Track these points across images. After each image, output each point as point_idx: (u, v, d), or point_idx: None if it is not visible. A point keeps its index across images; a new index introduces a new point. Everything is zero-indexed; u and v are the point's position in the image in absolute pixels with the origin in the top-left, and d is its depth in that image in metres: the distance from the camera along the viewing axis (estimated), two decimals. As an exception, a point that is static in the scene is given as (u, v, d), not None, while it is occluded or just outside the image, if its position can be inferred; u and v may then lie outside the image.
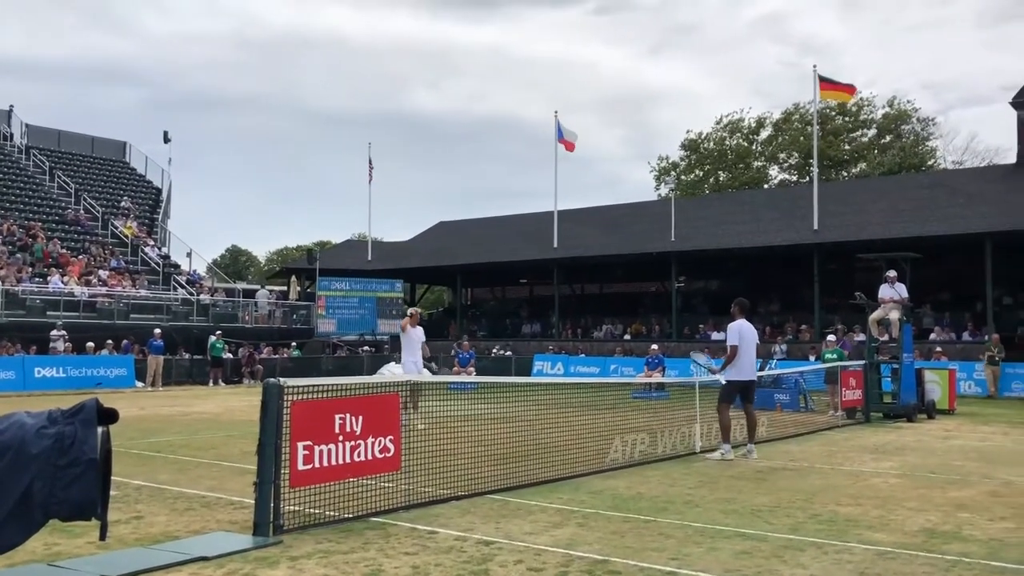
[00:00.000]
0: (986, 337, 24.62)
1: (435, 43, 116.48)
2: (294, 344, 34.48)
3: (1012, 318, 27.96)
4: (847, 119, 56.48)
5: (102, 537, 4.67)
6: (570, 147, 36.69)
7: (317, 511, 6.77)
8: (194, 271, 40.41)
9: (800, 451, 11.82)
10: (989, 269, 26.15)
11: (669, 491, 8.48)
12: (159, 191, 45.54)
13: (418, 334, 14.59)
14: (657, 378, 21.30)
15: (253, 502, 6.43)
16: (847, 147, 56.36)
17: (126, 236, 38.48)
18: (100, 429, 4.44)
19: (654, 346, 25.94)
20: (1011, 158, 35.31)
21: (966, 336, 27.12)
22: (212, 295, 36.79)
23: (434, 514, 7.18)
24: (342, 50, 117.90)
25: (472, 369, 26.19)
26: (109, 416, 4.51)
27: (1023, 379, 23.27)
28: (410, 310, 15.16)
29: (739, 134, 60.92)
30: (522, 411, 10.15)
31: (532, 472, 8.84)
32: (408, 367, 14.32)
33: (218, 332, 29.15)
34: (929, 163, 53.54)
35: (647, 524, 6.89)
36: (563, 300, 37.07)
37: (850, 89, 32.69)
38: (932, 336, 27.14)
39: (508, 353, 33.58)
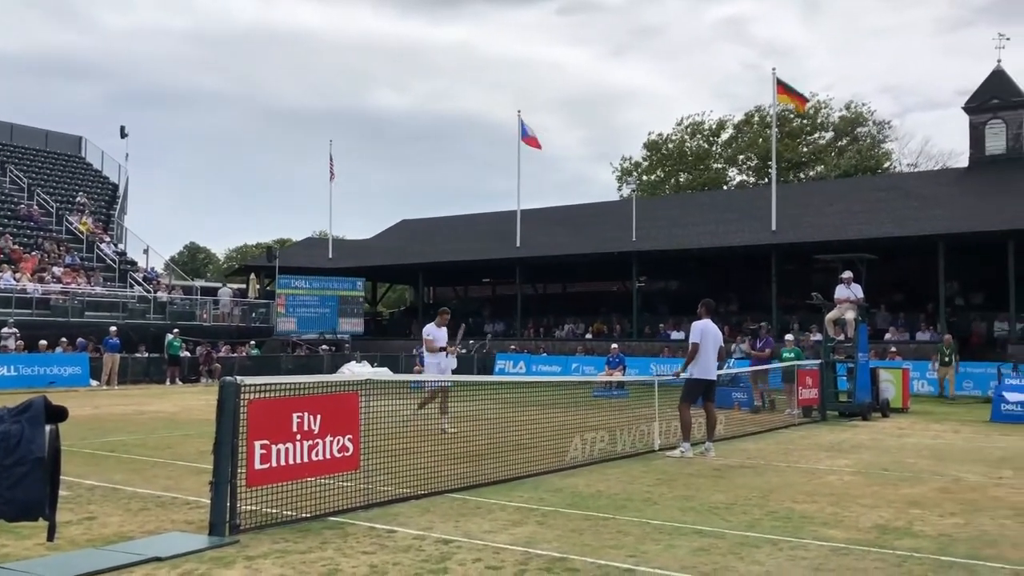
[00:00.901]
0: (940, 337, 25.04)
1: (399, 41, 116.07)
2: (253, 343, 34.12)
3: (964, 318, 28.57)
4: (805, 122, 57.26)
5: (50, 538, 4.58)
6: (536, 145, 36.72)
7: (274, 511, 6.70)
8: (151, 268, 39.81)
9: (757, 449, 11.96)
10: (942, 270, 26.67)
11: (628, 489, 8.53)
12: (116, 187, 44.80)
13: (442, 335, 13.98)
14: (618, 377, 21.42)
15: (209, 502, 6.35)
16: (805, 149, 57.14)
17: (81, 232, 37.79)
18: (48, 427, 4.36)
19: (614, 345, 26.08)
20: (964, 162, 36.07)
21: (920, 336, 27.63)
22: (169, 293, 36.28)
23: (393, 513, 7.15)
24: (305, 47, 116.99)
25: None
26: (58, 414, 4.43)
27: (974, 378, 23.76)
28: (441, 309, 14.53)
29: (700, 136, 61.47)
30: (483, 410, 10.15)
31: (492, 471, 8.85)
32: (431, 369, 13.82)
33: (175, 330, 28.76)
34: (885, 166, 54.50)
35: (606, 522, 6.93)
36: (525, 299, 37.13)
37: (802, 101, 33.33)
38: (887, 336, 27.63)
39: (488, 345, 33.54)
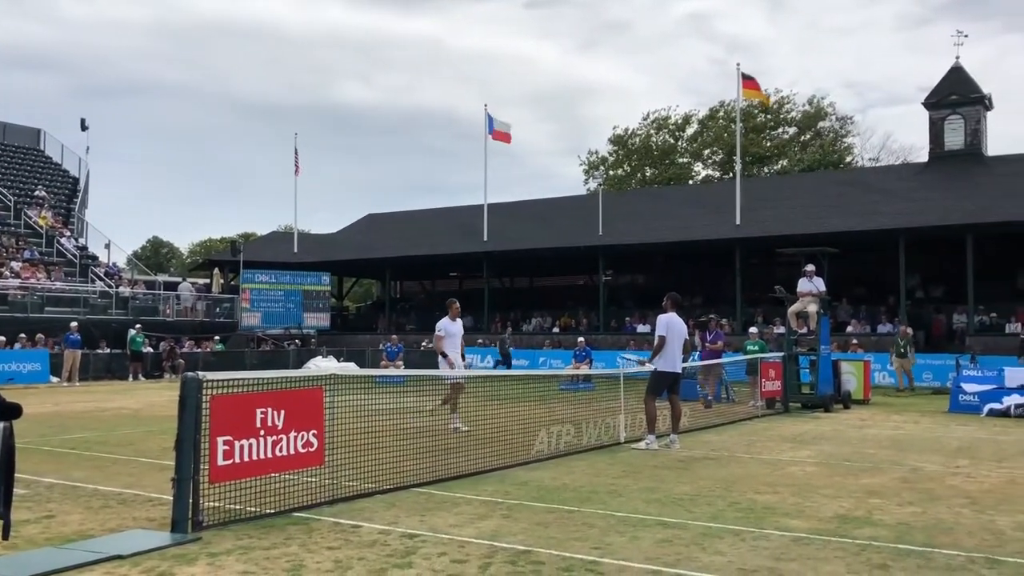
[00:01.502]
0: (908, 330, 25.37)
1: (366, 34, 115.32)
2: (217, 338, 33.79)
3: (924, 311, 29.06)
4: (768, 117, 57.82)
5: (4, 536, 4.52)
6: (506, 138, 36.70)
7: (238, 507, 6.65)
8: (113, 263, 39.21)
9: (721, 441, 12.09)
10: (903, 264, 27.11)
11: (594, 481, 8.58)
12: (76, 180, 44.03)
13: (457, 328, 13.24)
14: (584, 370, 21.52)
15: (171, 498, 6.29)
16: (769, 144, 57.68)
17: (40, 226, 37.13)
18: (1, 424, 4.29)
19: (581, 339, 26.21)
20: (924, 156, 36.64)
21: (881, 328, 28.06)
22: (132, 287, 35.79)
23: (358, 508, 7.13)
24: (269, 39, 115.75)
25: (400, 363, 26.13)
26: (11, 411, 4.36)
27: (933, 369, 24.19)
28: (449, 300, 13.55)
29: (665, 130, 61.80)
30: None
31: (458, 465, 8.85)
32: (443, 364, 13.00)
33: (138, 326, 28.39)
34: (847, 160, 55.17)
35: (571, 514, 6.96)
36: (493, 293, 37.14)
37: (757, 87, 33.69)
38: (848, 329, 28.03)
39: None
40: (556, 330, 34.40)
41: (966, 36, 42.69)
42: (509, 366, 26.94)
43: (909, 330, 23.95)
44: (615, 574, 5.23)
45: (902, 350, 22.90)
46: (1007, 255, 29.14)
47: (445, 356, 12.97)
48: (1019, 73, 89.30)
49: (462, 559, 5.54)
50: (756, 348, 18.31)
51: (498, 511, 7.08)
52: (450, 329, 13.15)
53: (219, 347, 32.94)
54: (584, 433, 11.19)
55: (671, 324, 11.38)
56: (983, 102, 33.05)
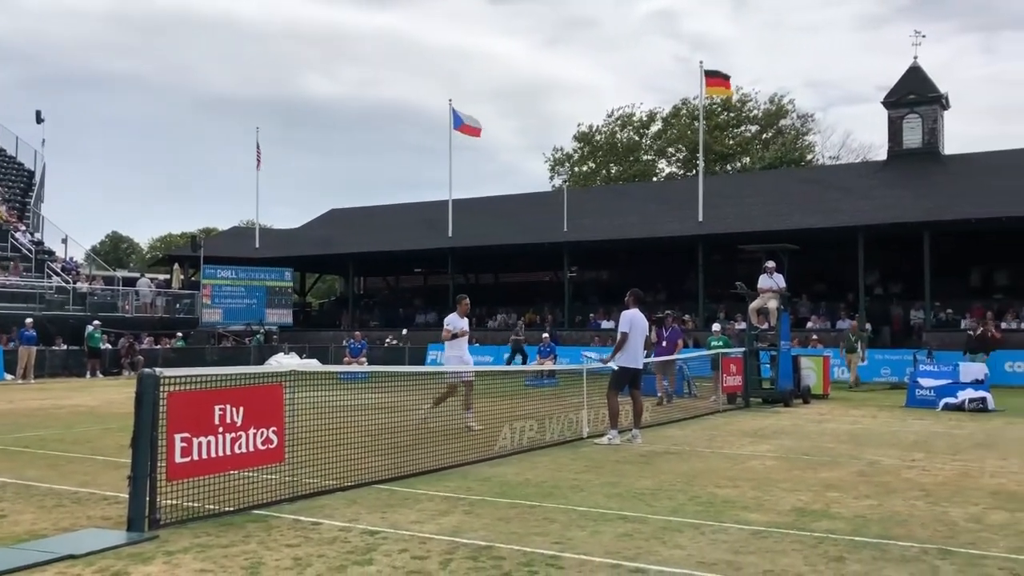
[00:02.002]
0: (867, 325, 25.73)
1: (328, 27, 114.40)
2: (181, 335, 33.36)
3: (882, 307, 29.52)
4: (731, 115, 58.34)
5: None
6: (476, 132, 36.59)
7: (196, 505, 6.57)
8: (70, 258, 38.53)
9: (683, 435, 12.18)
10: (861, 260, 27.52)
11: (556, 476, 8.60)
12: (31, 174, 43.13)
13: (465, 325, 13.06)
14: (548, 366, 21.57)
15: (127, 497, 6.20)
16: (731, 142, 58.21)
17: (-6, 221, 36.38)
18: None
19: (545, 335, 26.25)
20: (883, 155, 37.18)
21: (840, 324, 28.45)
22: (90, 283, 35.19)
23: (319, 505, 7.08)
24: (230, 31, 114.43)
25: (364, 359, 25.98)
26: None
27: (891, 364, 24.58)
28: (459, 296, 13.29)
29: (630, 127, 62.11)
30: (414, 400, 10.12)
31: (421, 461, 8.82)
32: (452, 362, 12.75)
33: (96, 322, 27.93)
34: (808, 158, 55.85)
35: (533, 509, 6.97)
36: (458, 290, 36.96)
37: (727, 83, 33.86)
38: (808, 324, 28.38)
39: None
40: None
41: (924, 36, 43.49)
42: (525, 360, 25.72)
43: (868, 326, 24.26)
44: (576, 568, 5.24)
45: (853, 346, 23.13)
46: (963, 252, 29.73)
47: (454, 337, 12.74)
48: (974, 73, 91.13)
49: (423, 555, 5.52)
50: (720, 344, 18.47)
51: (460, 507, 7.07)
52: (459, 325, 12.90)
53: (180, 344, 32.54)
54: (547, 429, 11.21)
55: (634, 321, 11.45)
56: (940, 101, 33.62)
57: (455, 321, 12.93)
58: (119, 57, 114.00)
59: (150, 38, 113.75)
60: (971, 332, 23.24)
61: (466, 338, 13.01)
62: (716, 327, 20.11)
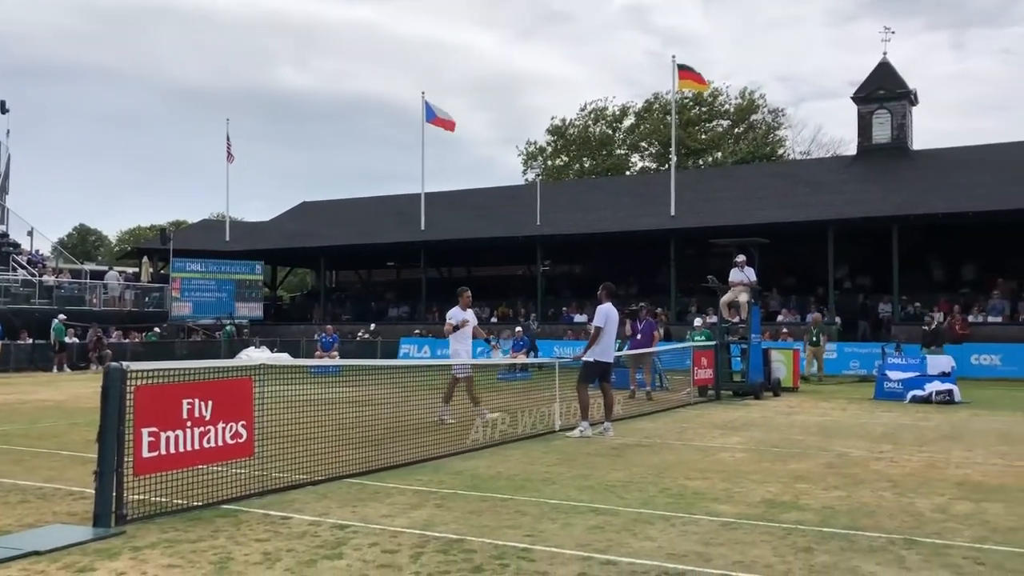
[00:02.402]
0: (836, 318, 25.92)
1: (301, 19, 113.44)
2: (157, 328, 32.95)
3: (852, 301, 29.84)
4: (703, 109, 58.62)
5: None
6: (449, 126, 36.48)
7: (164, 500, 6.50)
8: (36, 251, 37.96)
9: (654, 428, 12.24)
10: (831, 254, 27.79)
11: (528, 469, 8.61)
12: (-4, 165, 42.43)
13: (468, 317, 12.66)
14: (521, 359, 21.60)
15: (94, 492, 6.12)
16: (704, 137, 58.49)
17: (-42, 213, 35.77)
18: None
19: (518, 328, 26.26)
20: (853, 150, 37.54)
21: (810, 318, 28.69)
22: (56, 276, 34.70)
23: (289, 500, 7.03)
24: (201, 22, 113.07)
25: (336, 353, 25.85)
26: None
27: (860, 358, 24.85)
28: (460, 289, 12.90)
29: (603, 121, 62.22)
30: (386, 394, 10.07)
31: (393, 455, 8.79)
32: (459, 355, 12.49)
33: (62, 316, 27.55)
34: (779, 153, 56.27)
35: (504, 502, 6.97)
36: (430, 283, 36.98)
37: (701, 79, 34.03)
38: (779, 318, 28.61)
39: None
40: (495, 320, 34.39)
41: (893, 33, 43.89)
42: (536, 353, 25.43)
43: (837, 319, 24.43)
44: (547, 561, 5.24)
45: (815, 339, 23.25)
46: (931, 247, 30.12)
47: (455, 328, 12.47)
48: (943, 70, 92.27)
49: (393, 549, 5.50)
50: (703, 338, 18.55)
51: (431, 501, 7.05)
52: (459, 317, 12.57)
53: (153, 338, 32.16)
54: (520, 422, 11.21)
55: (609, 315, 11.52)
56: (909, 97, 33.98)
57: (457, 314, 12.62)
58: (87, 47, 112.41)
59: (119, 28, 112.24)
60: (926, 326, 23.51)
61: (470, 330, 12.65)
62: (698, 322, 20.20)
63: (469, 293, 12.94)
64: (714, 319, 22.46)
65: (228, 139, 38.99)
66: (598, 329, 11.41)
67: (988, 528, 6.15)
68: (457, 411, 11.82)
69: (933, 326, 22.41)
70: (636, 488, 7.62)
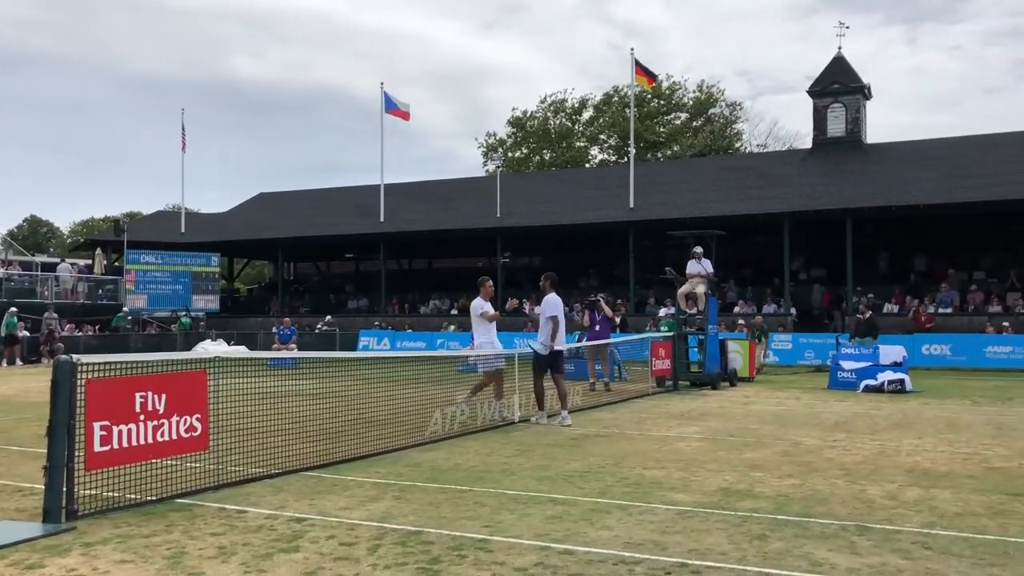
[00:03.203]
0: (792, 310, 26.16)
1: (256, 7, 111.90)
2: (117, 317, 32.33)
3: (807, 292, 30.28)
4: (661, 103, 58.96)
5: None
6: (404, 116, 36.31)
7: (116, 494, 6.40)
8: (-16, 242, 37.15)
9: (612, 418, 12.32)
10: (787, 246, 28.17)
11: (487, 460, 8.62)
12: (-58, 154, 41.41)
13: (489, 309, 12.32)
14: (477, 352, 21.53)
15: (43, 488, 6.00)
16: (662, 130, 58.86)
17: (-98, 203, 34.82)
18: None
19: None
20: (808, 143, 38.05)
21: (766, 309, 29.09)
22: (6, 268, 33.94)
23: (245, 493, 6.96)
24: (155, 10, 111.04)
25: (294, 346, 25.64)
26: None
27: (815, 348, 25.23)
28: (481, 279, 12.49)
29: (563, 114, 62.33)
30: (344, 386, 10.00)
31: (351, 447, 8.74)
32: (485, 348, 12.09)
33: (12, 308, 26.95)
34: (736, 146, 56.85)
35: (463, 494, 6.97)
36: (390, 275, 36.80)
37: (651, 79, 34.36)
38: (736, 309, 28.94)
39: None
40: (455, 312, 34.34)
41: (848, 28, 44.65)
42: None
43: (792, 310, 24.76)
44: (504, 551, 5.26)
45: (756, 338, 23.50)
46: (883, 238, 30.66)
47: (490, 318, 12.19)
48: (899, 64, 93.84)
49: (351, 542, 5.48)
50: (667, 328, 18.71)
51: (389, 493, 7.03)
52: (488, 309, 12.24)
53: (120, 319, 31.59)
54: (479, 414, 11.23)
55: (559, 304, 11.63)
56: (863, 91, 34.50)
57: (487, 306, 12.19)
58: (36, 34, 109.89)
59: (70, 14, 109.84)
60: (859, 316, 23.90)
61: (495, 324, 12.41)
62: (663, 312, 20.32)
63: (491, 283, 12.56)
64: (671, 309, 22.71)
65: (183, 129, 38.42)
66: (555, 319, 11.50)
67: (936, 514, 6.29)
68: (417, 401, 11.76)
69: (867, 316, 22.76)
70: (594, 478, 7.67)
